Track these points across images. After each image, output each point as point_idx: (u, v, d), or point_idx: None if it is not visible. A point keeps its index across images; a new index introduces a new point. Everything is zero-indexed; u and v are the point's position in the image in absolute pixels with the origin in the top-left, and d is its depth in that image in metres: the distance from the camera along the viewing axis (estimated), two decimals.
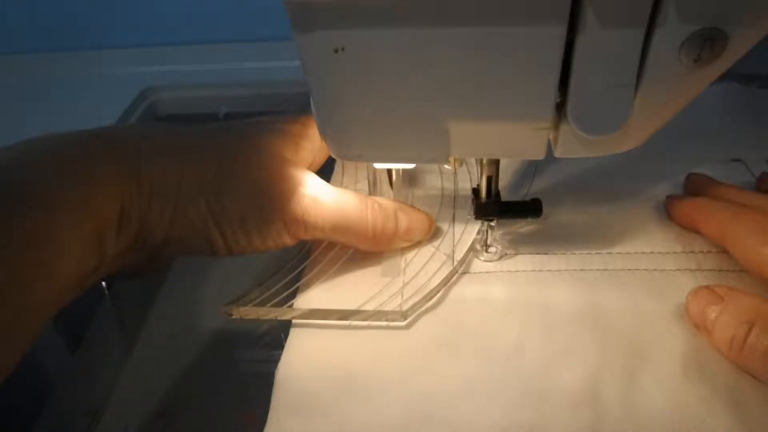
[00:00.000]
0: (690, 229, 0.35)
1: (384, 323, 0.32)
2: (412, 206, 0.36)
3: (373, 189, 0.38)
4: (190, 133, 0.33)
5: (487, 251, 0.35)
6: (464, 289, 0.34)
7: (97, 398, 0.34)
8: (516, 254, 0.35)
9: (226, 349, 0.37)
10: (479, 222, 0.36)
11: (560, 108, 0.26)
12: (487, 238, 0.35)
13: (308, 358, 0.31)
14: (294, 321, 0.32)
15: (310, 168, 0.35)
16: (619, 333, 0.30)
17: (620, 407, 0.27)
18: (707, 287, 0.30)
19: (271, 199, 0.31)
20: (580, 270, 0.34)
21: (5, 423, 0.34)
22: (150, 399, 0.34)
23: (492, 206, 0.34)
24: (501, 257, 0.35)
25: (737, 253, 0.31)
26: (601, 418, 0.27)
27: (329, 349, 0.31)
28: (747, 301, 0.28)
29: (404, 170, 0.39)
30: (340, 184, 0.41)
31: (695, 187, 0.37)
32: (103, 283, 0.41)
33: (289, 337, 0.32)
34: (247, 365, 0.33)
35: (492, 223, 0.35)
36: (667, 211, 0.36)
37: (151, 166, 0.29)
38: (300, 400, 0.29)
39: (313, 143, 0.35)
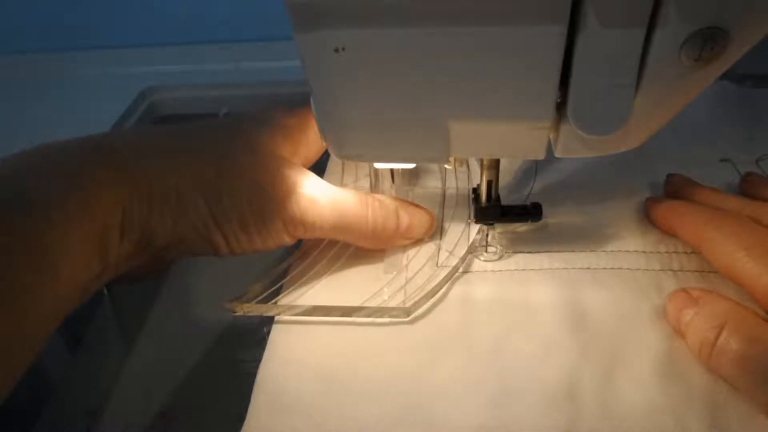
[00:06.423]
0: (668, 232, 0.35)
1: (387, 320, 0.32)
2: (413, 204, 0.36)
3: (374, 186, 0.38)
4: (187, 133, 0.33)
5: (486, 251, 0.35)
6: (447, 289, 0.34)
7: (97, 398, 0.34)
8: (514, 254, 0.35)
9: (226, 349, 0.37)
10: None
11: (560, 108, 0.26)
12: (487, 238, 0.35)
13: (290, 357, 0.31)
14: (276, 319, 0.33)
15: (306, 162, 0.35)
16: (600, 332, 0.30)
17: (597, 407, 0.27)
18: (684, 290, 0.30)
19: (269, 199, 0.31)
20: (563, 269, 0.34)
21: (5, 423, 0.34)
22: (150, 399, 0.34)
23: (492, 210, 0.34)
24: (501, 257, 0.35)
25: (712, 257, 0.31)
26: (578, 417, 0.27)
27: (311, 348, 0.31)
28: (720, 305, 0.28)
29: (406, 168, 0.39)
30: (341, 182, 0.41)
31: (674, 189, 0.37)
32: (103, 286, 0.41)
33: (271, 336, 0.32)
34: (247, 365, 0.33)
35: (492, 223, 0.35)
36: (647, 214, 0.36)
37: (148, 171, 0.29)
38: (280, 399, 0.29)
39: (308, 137, 0.35)
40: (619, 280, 0.33)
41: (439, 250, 0.36)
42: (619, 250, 0.34)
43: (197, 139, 0.32)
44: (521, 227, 0.37)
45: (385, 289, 0.34)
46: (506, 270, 0.34)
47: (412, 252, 0.36)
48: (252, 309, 0.33)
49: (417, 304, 0.32)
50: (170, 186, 0.29)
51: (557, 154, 0.28)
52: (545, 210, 0.34)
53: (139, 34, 0.67)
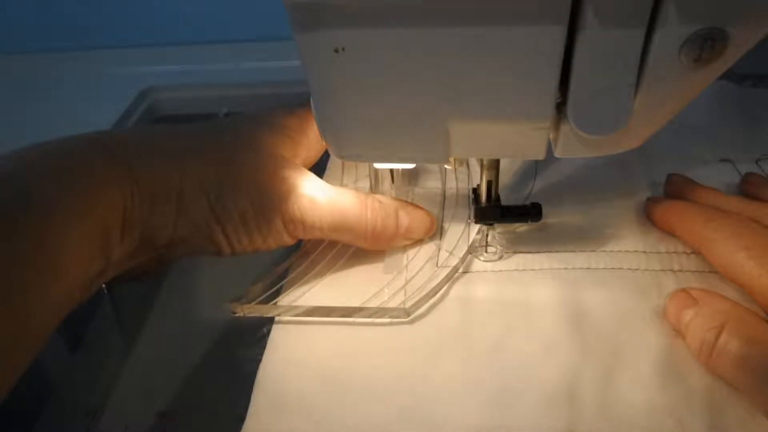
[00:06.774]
0: (668, 232, 0.35)
1: (387, 320, 0.32)
2: (413, 204, 0.36)
3: (374, 186, 0.38)
4: (189, 133, 0.33)
5: (486, 251, 0.35)
6: (447, 289, 0.34)
7: (97, 398, 0.34)
8: (514, 254, 0.35)
9: (226, 348, 0.37)
10: None
11: (560, 108, 0.26)
12: (487, 238, 0.35)
13: (290, 357, 0.31)
14: (276, 319, 0.33)
15: (306, 162, 0.35)
16: (600, 332, 0.30)
17: (597, 407, 0.27)
18: (684, 290, 0.30)
19: (270, 199, 0.31)
20: (563, 269, 0.34)
21: (5, 423, 0.34)
22: (150, 399, 0.34)
23: (492, 210, 0.34)
24: (501, 257, 0.35)
25: (711, 258, 0.31)
26: (578, 417, 0.27)
27: (311, 348, 0.31)
28: (720, 305, 0.28)
29: (406, 168, 0.39)
30: (341, 182, 0.41)
31: (674, 189, 0.37)
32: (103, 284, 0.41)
33: (271, 336, 0.32)
34: (247, 364, 0.33)
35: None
36: (647, 214, 0.36)
37: (150, 169, 0.29)
38: (280, 399, 0.29)
39: (308, 137, 0.35)
40: (619, 280, 0.33)
41: (439, 250, 0.36)
42: (619, 250, 0.34)
43: (198, 138, 0.32)
44: (521, 227, 0.37)
45: (385, 290, 0.34)
46: (506, 270, 0.34)
47: (412, 252, 0.36)
48: (252, 310, 0.33)
49: (417, 305, 0.32)
50: (171, 185, 0.29)
51: (557, 154, 0.28)
52: (545, 210, 0.34)
53: (139, 34, 0.67)
